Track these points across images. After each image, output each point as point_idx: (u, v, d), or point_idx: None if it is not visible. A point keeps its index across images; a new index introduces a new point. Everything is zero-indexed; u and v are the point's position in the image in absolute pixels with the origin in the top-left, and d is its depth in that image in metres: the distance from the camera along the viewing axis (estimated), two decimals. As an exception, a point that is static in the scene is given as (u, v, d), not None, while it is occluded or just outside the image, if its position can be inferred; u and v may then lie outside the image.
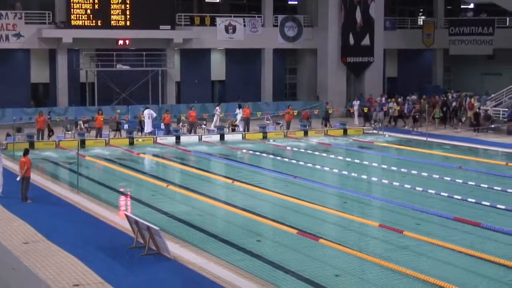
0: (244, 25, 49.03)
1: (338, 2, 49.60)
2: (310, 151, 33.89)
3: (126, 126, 38.51)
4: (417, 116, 41.17)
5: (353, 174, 27.61)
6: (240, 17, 49.44)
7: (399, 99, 45.09)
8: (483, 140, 37.05)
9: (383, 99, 45.19)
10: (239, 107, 41.21)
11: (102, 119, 37.34)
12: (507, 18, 53.39)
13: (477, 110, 40.18)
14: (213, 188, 25.73)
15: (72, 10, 43.96)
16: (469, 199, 22.79)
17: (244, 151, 34.36)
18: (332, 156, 32.35)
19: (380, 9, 50.50)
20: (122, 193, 24.71)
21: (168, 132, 38.22)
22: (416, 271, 15.33)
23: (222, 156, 32.85)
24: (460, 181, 26.12)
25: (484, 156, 32.48)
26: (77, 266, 15.55)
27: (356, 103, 44.49)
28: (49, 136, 36.59)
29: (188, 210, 21.86)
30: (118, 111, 40.71)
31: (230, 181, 26.34)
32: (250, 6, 54.30)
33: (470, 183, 25.66)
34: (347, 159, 31.45)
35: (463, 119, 41.78)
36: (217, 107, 41.64)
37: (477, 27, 53.04)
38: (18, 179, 22.63)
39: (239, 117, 40.52)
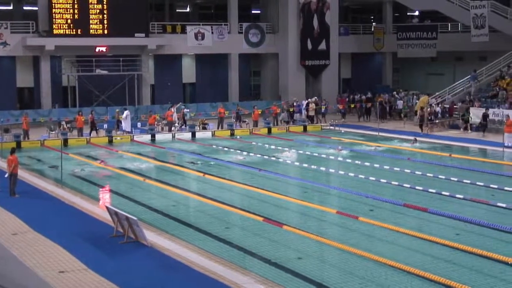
0: (212, 33, 48.95)
1: (297, 11, 49.77)
2: (273, 146, 33.91)
3: (105, 126, 38.28)
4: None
5: (312, 166, 27.69)
6: (208, 25, 49.38)
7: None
8: (429, 134, 37.41)
9: (302, 101, 44.86)
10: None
11: (82, 119, 37.13)
12: (449, 24, 53.85)
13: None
14: (186, 181, 25.67)
15: (54, 20, 43.64)
16: (417, 187, 22.99)
17: (214, 147, 34.30)
18: (294, 150, 32.39)
19: (335, 17, 50.74)
20: (103, 187, 24.54)
21: (152, 130, 38.19)
22: (370, 252, 15.44)
23: (194, 152, 32.76)
24: (409, 171, 26.33)
25: (430, 148, 32.72)
26: (62, 254, 15.46)
27: (305, 102, 44.53)
28: (96, 131, 37.37)
29: (163, 202, 21.79)
30: (117, 110, 40.49)
31: (201, 174, 26.29)
32: (217, 15, 54.30)
33: (417, 172, 25.88)
34: (307, 153, 31.54)
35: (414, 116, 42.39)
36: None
37: (422, 32, 53.42)
38: (6, 175, 22.45)
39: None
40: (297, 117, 42.98)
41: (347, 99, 48.23)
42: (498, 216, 19.02)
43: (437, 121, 39.71)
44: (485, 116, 35.35)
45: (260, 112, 42.25)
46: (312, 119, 43.10)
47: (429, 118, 38.65)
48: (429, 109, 39.57)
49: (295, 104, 44.04)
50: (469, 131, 37.95)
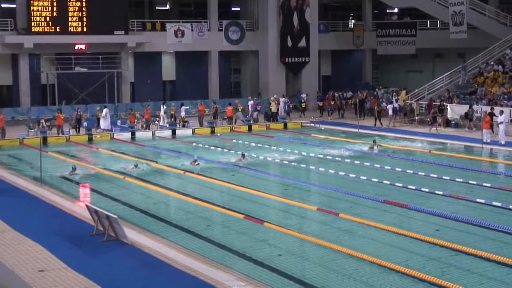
0: (192, 30, 48.90)
1: (276, 8, 49.81)
2: (253, 144, 33.93)
3: (85, 124, 38.16)
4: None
5: (293, 163, 27.73)
6: (188, 23, 49.32)
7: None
8: (408, 131, 37.61)
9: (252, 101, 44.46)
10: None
11: (62, 117, 36.97)
12: (428, 21, 54.14)
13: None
14: (167, 179, 25.60)
15: (32, 17, 43.41)
16: (397, 184, 23.09)
17: (194, 144, 34.25)
18: (274, 147, 32.42)
19: (314, 14, 50.82)
20: (82, 185, 24.42)
21: (125, 128, 38.14)
22: (351, 249, 15.48)
23: (174, 150, 32.69)
24: (389, 167, 26.44)
25: (410, 145, 32.86)
26: (42, 253, 15.37)
27: (283, 99, 44.47)
28: (79, 129, 37.26)
29: (143, 200, 21.73)
30: (98, 108, 40.28)
31: (182, 172, 26.24)
32: (197, 12, 54.18)
33: (397, 169, 25.99)
34: (287, 150, 31.56)
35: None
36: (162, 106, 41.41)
37: (401, 29, 53.66)
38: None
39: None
40: (254, 115, 42.44)
41: (326, 97, 48.28)
42: (477, 212, 19.15)
43: (416, 117, 39.99)
44: (491, 114, 35.16)
45: (241, 109, 42.16)
46: (272, 116, 42.72)
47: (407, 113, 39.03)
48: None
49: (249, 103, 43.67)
50: (436, 128, 38.38)
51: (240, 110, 42.78)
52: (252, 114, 42.32)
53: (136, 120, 39.73)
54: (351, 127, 39.26)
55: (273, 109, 43.01)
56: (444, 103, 38.87)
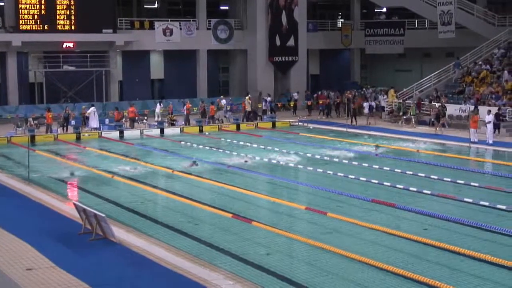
0: (180, 29, 48.87)
1: (265, 7, 49.84)
2: (242, 142, 33.94)
3: (73, 122, 38.05)
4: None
5: (281, 162, 27.75)
6: (176, 21, 49.27)
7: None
8: (397, 130, 37.73)
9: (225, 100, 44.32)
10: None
11: (50, 116, 36.89)
12: (416, 21, 54.31)
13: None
14: (155, 178, 25.55)
15: (20, 15, 43.30)
16: (385, 183, 23.15)
17: (183, 143, 34.22)
18: (262, 146, 32.43)
19: (303, 13, 50.90)
20: (71, 184, 24.35)
21: (113, 127, 38.04)
22: (339, 248, 15.52)
23: (162, 149, 32.65)
24: (377, 166, 26.50)
25: (398, 144, 32.94)
26: (30, 252, 15.33)
27: (267, 98, 44.39)
28: (67, 127, 37.30)
29: (131, 198, 21.68)
30: (85, 108, 40.08)
31: (170, 171, 26.20)
32: (186, 11, 54.11)
33: (385, 168, 26.06)
34: (276, 149, 31.57)
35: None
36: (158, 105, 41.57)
37: (390, 28, 53.82)
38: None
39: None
40: (218, 115, 42.10)
41: (315, 96, 48.35)
42: (465, 211, 19.22)
43: (405, 117, 40.12)
44: (497, 115, 35.23)
45: (215, 108, 41.87)
46: (248, 115, 42.65)
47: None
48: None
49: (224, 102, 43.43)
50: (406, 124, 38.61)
51: (220, 108, 42.63)
52: (225, 114, 42.11)
53: (124, 119, 39.71)
54: (339, 126, 39.32)
55: (248, 108, 42.85)
56: (445, 104, 38.52)
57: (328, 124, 40.91)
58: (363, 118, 41.39)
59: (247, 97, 43.86)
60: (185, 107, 41.31)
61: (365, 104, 42.08)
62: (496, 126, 34.54)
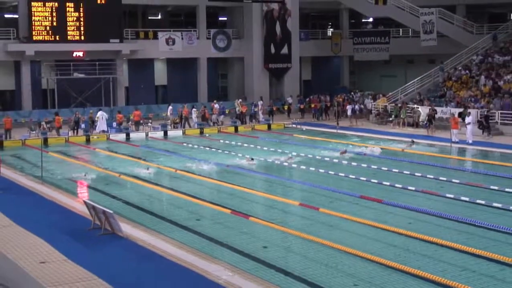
0: (182, 38, 48.81)
1: (260, 18, 49.84)
2: (240, 143, 33.90)
3: (83, 126, 37.99)
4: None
5: (276, 162, 27.71)
6: (178, 31, 49.23)
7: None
8: (384, 131, 37.72)
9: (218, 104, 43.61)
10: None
11: (60, 119, 36.89)
12: (400, 30, 54.32)
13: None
14: (159, 177, 25.49)
15: (33, 27, 43.27)
16: (373, 180, 23.14)
17: (185, 144, 34.18)
18: (259, 147, 32.39)
19: (295, 23, 50.87)
20: (81, 183, 24.29)
21: (120, 129, 37.95)
22: (330, 241, 15.49)
23: (166, 150, 32.61)
24: (365, 165, 26.48)
25: (385, 144, 32.91)
26: (43, 247, 15.28)
27: (259, 103, 44.14)
28: (77, 131, 37.18)
29: (138, 196, 21.65)
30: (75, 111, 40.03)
31: (173, 170, 26.15)
32: (187, 22, 54.08)
33: (373, 166, 26.05)
34: (271, 149, 31.54)
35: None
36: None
37: (376, 37, 53.79)
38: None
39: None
40: (213, 118, 41.80)
41: (307, 100, 48.31)
42: (447, 206, 19.22)
43: (390, 119, 40.13)
44: (487, 117, 34.92)
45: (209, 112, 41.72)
46: (239, 117, 42.29)
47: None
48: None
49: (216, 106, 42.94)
50: (398, 126, 38.54)
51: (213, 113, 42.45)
52: (218, 117, 41.94)
53: (130, 122, 39.71)
54: (330, 128, 39.32)
55: (238, 110, 42.58)
56: (435, 107, 37.91)
57: (320, 126, 40.88)
58: (347, 120, 41.57)
59: (237, 101, 43.64)
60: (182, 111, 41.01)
61: (348, 107, 42.16)
62: (486, 128, 34.51)
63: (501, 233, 16.21)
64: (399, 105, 40.49)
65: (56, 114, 37.80)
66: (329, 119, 43.72)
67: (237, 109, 42.92)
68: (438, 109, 38.13)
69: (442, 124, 36.86)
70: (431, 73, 45.30)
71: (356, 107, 43.06)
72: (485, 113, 35.23)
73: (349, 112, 41.66)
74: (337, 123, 40.06)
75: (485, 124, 34.70)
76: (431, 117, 36.61)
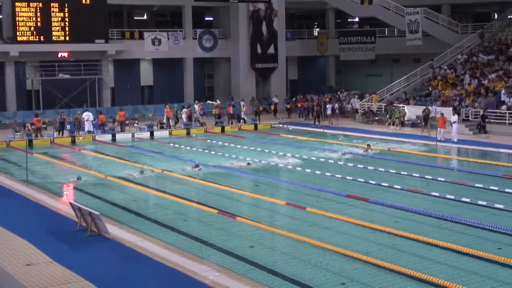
0: (168, 38, 48.78)
1: (247, 18, 49.87)
2: (226, 143, 33.91)
3: (68, 127, 37.84)
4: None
5: (263, 162, 27.74)
6: (164, 32, 49.20)
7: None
8: (368, 130, 37.84)
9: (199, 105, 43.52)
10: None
11: (40, 120, 36.82)
12: (386, 29, 54.53)
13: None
14: (145, 178, 25.43)
15: (17, 27, 43.08)
16: (359, 179, 23.22)
17: (171, 145, 34.13)
18: (246, 147, 32.41)
19: (282, 23, 50.96)
20: (66, 184, 24.19)
21: (103, 131, 37.82)
22: (317, 240, 15.55)
23: (152, 150, 32.55)
24: (351, 164, 26.57)
25: (371, 143, 32.98)
26: (29, 249, 15.22)
27: (242, 103, 44.04)
28: (62, 132, 37.16)
29: (124, 197, 21.59)
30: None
31: (159, 170, 26.10)
32: (173, 22, 54.05)
33: (359, 166, 26.14)
34: (258, 149, 31.57)
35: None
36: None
37: (362, 36, 54.00)
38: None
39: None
40: (196, 118, 41.78)
41: (293, 100, 48.39)
42: (432, 204, 19.33)
43: (376, 118, 40.24)
44: (483, 117, 35.03)
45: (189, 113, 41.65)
46: (219, 118, 42.03)
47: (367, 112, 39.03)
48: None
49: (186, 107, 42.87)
50: (394, 126, 38.46)
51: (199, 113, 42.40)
52: (199, 118, 41.85)
53: (116, 123, 39.60)
54: (316, 128, 39.40)
55: (216, 112, 42.37)
56: (429, 107, 37.57)
57: (306, 126, 40.96)
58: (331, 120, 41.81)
59: (216, 102, 43.48)
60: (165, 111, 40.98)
61: (328, 106, 42.27)
62: (483, 128, 34.67)
63: (486, 231, 16.34)
64: (394, 104, 40.55)
65: (36, 115, 37.62)
66: (310, 119, 43.73)
67: (214, 110, 42.63)
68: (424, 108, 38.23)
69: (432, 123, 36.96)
70: (417, 72, 45.50)
71: (335, 106, 43.25)
72: (482, 112, 35.37)
73: (328, 111, 41.75)
74: (319, 122, 40.22)
75: (482, 123, 34.89)
76: (426, 117, 36.48)
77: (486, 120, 35.18)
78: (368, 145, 30.90)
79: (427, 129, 35.77)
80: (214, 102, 44.05)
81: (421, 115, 36.93)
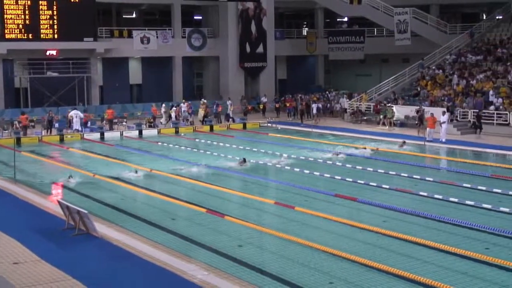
0: (157, 37, 48.67)
1: (236, 17, 49.85)
2: (215, 142, 33.89)
3: (56, 125, 37.70)
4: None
5: (252, 160, 27.72)
6: (153, 30, 49.10)
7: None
8: (358, 130, 37.90)
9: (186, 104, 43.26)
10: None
11: (26, 118, 36.69)
12: (375, 29, 54.65)
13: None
14: (134, 176, 25.35)
15: (6, 25, 42.83)
16: (347, 179, 23.27)
17: (160, 144, 34.08)
18: (234, 146, 32.41)
19: (271, 22, 50.99)
20: (55, 183, 24.10)
21: (90, 129, 37.78)
22: (306, 239, 15.57)
23: (141, 149, 32.49)
24: (340, 164, 26.62)
25: (358, 143, 33.08)
26: (17, 247, 15.16)
27: (228, 102, 43.91)
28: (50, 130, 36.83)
29: (112, 195, 21.54)
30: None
31: (148, 169, 26.05)
32: (162, 20, 53.92)
33: (347, 165, 26.19)
34: (247, 148, 31.57)
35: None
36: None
37: (351, 36, 54.08)
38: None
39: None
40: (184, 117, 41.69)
41: (282, 99, 48.43)
42: (421, 204, 19.40)
43: (365, 118, 40.33)
44: (479, 117, 35.01)
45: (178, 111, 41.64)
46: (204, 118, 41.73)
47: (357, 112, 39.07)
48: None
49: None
50: (388, 126, 38.58)
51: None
52: (187, 116, 41.69)
53: (104, 121, 39.51)
54: (305, 127, 39.45)
55: (201, 112, 41.99)
56: (423, 108, 37.19)
57: (295, 125, 41.00)
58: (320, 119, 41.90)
59: (201, 102, 43.24)
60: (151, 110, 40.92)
61: (314, 105, 42.37)
62: (478, 127, 34.77)
63: (473, 231, 16.42)
64: (388, 105, 40.58)
65: (23, 113, 37.50)
66: (305, 119, 43.79)
67: (199, 110, 42.30)
68: (412, 107, 38.36)
69: (416, 123, 37.06)
70: (406, 72, 45.65)
71: (320, 105, 43.39)
72: (477, 113, 35.48)
73: (314, 111, 41.83)
74: (301, 121, 40.37)
75: (477, 123, 35.01)
76: (421, 117, 36.37)
77: (482, 120, 35.15)
78: (365, 147, 30.89)
79: (423, 129, 35.36)
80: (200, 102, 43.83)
81: (416, 115, 36.85)
